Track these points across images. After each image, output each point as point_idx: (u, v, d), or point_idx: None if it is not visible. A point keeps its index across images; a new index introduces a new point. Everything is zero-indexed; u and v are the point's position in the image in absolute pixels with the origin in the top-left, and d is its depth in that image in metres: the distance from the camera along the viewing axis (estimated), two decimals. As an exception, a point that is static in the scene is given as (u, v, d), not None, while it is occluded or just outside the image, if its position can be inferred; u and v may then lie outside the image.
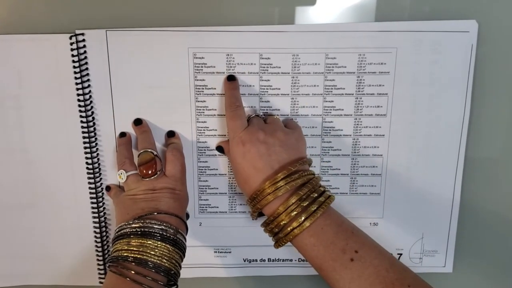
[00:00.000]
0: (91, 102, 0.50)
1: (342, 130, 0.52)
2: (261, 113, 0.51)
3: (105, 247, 0.55)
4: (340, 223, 0.43)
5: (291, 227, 0.42)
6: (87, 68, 0.49)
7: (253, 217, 0.47)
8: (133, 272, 0.42)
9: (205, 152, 0.53)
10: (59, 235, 0.54)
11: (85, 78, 0.50)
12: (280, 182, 0.43)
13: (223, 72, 0.50)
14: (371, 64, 0.50)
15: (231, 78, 0.49)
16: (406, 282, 0.39)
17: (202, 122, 0.52)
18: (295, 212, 0.42)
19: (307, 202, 0.42)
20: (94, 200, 0.53)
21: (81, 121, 0.51)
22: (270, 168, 0.44)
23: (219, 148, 0.52)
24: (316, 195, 0.43)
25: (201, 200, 0.54)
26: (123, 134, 0.51)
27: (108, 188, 0.53)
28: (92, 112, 0.51)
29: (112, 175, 0.53)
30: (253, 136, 0.45)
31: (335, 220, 0.43)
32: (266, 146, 0.44)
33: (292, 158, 0.45)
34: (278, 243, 0.44)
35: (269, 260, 0.57)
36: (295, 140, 0.47)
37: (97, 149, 0.52)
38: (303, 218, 0.41)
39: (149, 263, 0.43)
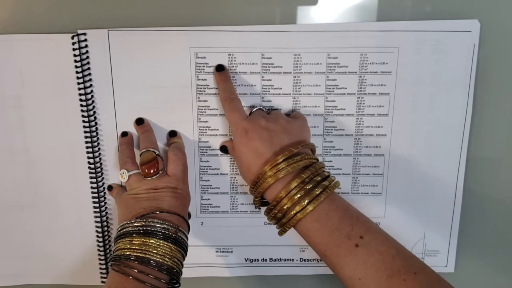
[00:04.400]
0: (93, 101, 0.50)
1: (344, 129, 0.52)
2: (264, 109, 0.51)
3: (107, 246, 0.55)
4: (345, 209, 0.42)
5: (294, 211, 0.41)
6: (89, 68, 0.49)
7: (255, 204, 0.47)
8: (136, 270, 0.42)
9: (206, 152, 0.53)
10: (61, 235, 0.54)
11: (87, 78, 0.50)
12: (281, 164, 0.42)
13: (225, 72, 0.50)
14: (373, 63, 0.50)
15: (220, 69, 0.49)
16: (412, 269, 0.38)
17: (203, 121, 0.52)
18: (298, 195, 0.41)
19: (310, 186, 0.41)
20: (96, 200, 0.53)
21: (83, 121, 0.51)
22: (271, 152, 0.44)
23: (223, 148, 0.52)
24: (319, 178, 0.42)
25: (203, 199, 0.54)
26: (125, 134, 0.51)
27: (110, 187, 0.53)
28: (94, 112, 0.51)
29: (114, 175, 0.53)
30: (255, 123, 0.45)
31: (339, 205, 0.42)
32: (268, 132, 0.44)
33: (294, 141, 0.45)
34: (282, 229, 0.44)
35: (270, 259, 0.57)
36: (298, 127, 0.47)
37: (99, 148, 0.52)
38: (306, 201, 0.41)
39: (152, 261, 0.43)
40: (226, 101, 0.48)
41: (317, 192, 0.41)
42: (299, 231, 0.43)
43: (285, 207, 0.42)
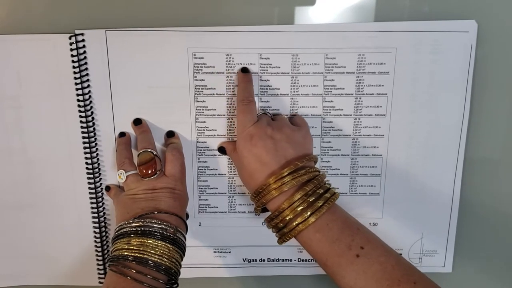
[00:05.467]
0: (90, 102, 0.50)
1: (341, 130, 0.52)
2: (269, 113, 0.51)
3: (105, 247, 0.55)
4: (345, 220, 0.43)
5: (296, 222, 0.42)
6: (86, 68, 0.49)
7: (256, 212, 0.47)
8: (134, 271, 0.42)
9: (204, 152, 0.53)
10: (59, 235, 0.54)
11: (84, 78, 0.50)
12: (286, 178, 0.43)
13: (223, 72, 0.50)
14: (370, 64, 0.50)
15: (245, 70, 0.49)
16: (412, 279, 0.39)
17: (201, 122, 0.52)
18: (300, 207, 0.42)
19: (313, 198, 0.42)
20: (94, 200, 0.53)
21: (81, 121, 0.51)
22: (276, 163, 0.44)
23: (221, 149, 0.52)
24: (322, 191, 0.43)
25: (201, 200, 0.54)
26: (122, 134, 0.51)
27: (107, 188, 0.53)
28: (92, 112, 0.51)
29: (112, 175, 0.53)
30: (261, 130, 0.45)
31: (340, 216, 0.43)
32: (273, 141, 0.45)
33: (299, 154, 0.45)
34: (282, 239, 0.44)
35: (268, 260, 0.57)
36: (302, 137, 0.47)
37: (96, 149, 0.52)
38: (308, 213, 0.42)
39: (150, 262, 0.43)
40: (243, 101, 0.48)
41: (319, 204, 0.42)
42: (300, 241, 0.44)
43: (287, 218, 0.43)
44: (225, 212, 0.55)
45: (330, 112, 0.52)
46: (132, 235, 0.44)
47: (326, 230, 0.42)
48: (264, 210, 0.47)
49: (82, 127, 0.51)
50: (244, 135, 0.46)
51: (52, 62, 0.49)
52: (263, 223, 0.55)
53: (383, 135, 0.52)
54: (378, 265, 0.40)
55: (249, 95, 0.48)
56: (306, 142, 0.47)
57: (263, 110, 0.51)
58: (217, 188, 0.54)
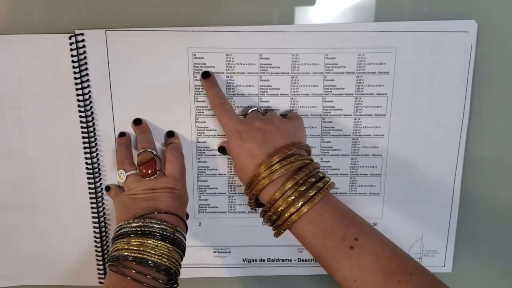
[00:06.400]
0: (90, 102, 0.50)
1: (341, 130, 0.52)
2: (260, 110, 0.51)
3: (105, 247, 0.55)
4: (340, 210, 0.42)
5: (288, 213, 0.41)
6: (86, 68, 0.49)
7: (251, 206, 0.47)
8: (133, 271, 0.42)
9: (204, 152, 0.53)
10: (59, 235, 0.54)
11: (84, 78, 0.50)
12: (275, 166, 0.42)
13: (223, 72, 0.50)
14: (370, 64, 0.50)
15: (206, 76, 0.49)
16: (407, 270, 0.38)
17: (201, 122, 0.52)
18: (292, 197, 0.41)
19: (304, 187, 0.41)
20: (94, 200, 0.53)
21: (81, 121, 0.51)
22: (265, 153, 0.44)
23: (221, 149, 0.52)
24: (313, 180, 0.42)
25: (201, 200, 0.54)
26: (122, 134, 0.51)
27: (107, 188, 0.53)
28: (92, 112, 0.51)
29: (112, 175, 0.53)
30: (249, 125, 0.45)
31: (334, 207, 0.42)
32: (262, 133, 0.44)
33: (287, 142, 0.45)
34: (277, 231, 0.44)
35: (268, 260, 0.57)
36: (292, 128, 0.47)
37: (96, 149, 0.52)
38: (300, 203, 0.41)
39: (150, 262, 0.43)
40: (216, 106, 0.48)
41: (311, 194, 0.41)
42: (294, 233, 0.43)
43: (279, 209, 0.42)
44: (225, 212, 0.55)
45: (330, 112, 0.52)
46: (132, 235, 0.44)
47: (319, 221, 0.41)
48: (260, 206, 0.47)
49: (82, 127, 0.51)
50: (232, 134, 0.46)
51: (52, 62, 0.49)
52: (263, 223, 0.55)
53: (383, 135, 0.52)
54: (373, 257, 0.39)
55: (219, 98, 0.48)
56: (297, 133, 0.47)
57: (255, 107, 0.51)
58: (217, 188, 0.54)
